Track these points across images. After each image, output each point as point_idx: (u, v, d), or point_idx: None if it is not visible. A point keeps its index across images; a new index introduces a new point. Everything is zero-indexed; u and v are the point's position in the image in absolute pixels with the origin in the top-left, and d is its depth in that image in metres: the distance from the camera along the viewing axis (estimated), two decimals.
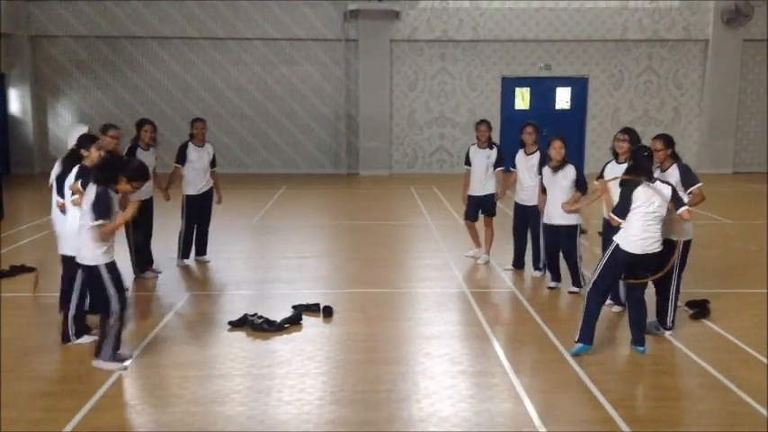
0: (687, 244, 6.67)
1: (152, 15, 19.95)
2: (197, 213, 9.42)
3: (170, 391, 5.50)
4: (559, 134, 8.28)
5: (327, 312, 7.34)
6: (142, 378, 5.74)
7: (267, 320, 6.89)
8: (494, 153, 9.44)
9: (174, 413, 5.09)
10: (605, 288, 6.27)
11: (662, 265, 6.30)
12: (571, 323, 7.00)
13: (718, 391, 5.51)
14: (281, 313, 7.17)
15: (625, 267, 6.18)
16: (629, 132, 7.35)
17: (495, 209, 9.61)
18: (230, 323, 6.95)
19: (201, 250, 9.64)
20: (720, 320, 7.10)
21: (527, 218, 8.96)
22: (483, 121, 9.62)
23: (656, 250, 6.10)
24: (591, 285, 6.24)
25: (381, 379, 5.71)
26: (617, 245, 6.09)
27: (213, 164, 9.57)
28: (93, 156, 6.40)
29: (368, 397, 5.37)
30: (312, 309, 7.38)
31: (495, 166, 9.45)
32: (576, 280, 8.11)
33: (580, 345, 6.17)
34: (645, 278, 6.28)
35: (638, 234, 6.01)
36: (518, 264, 9.24)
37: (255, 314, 7.02)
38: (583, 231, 8.59)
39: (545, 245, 8.54)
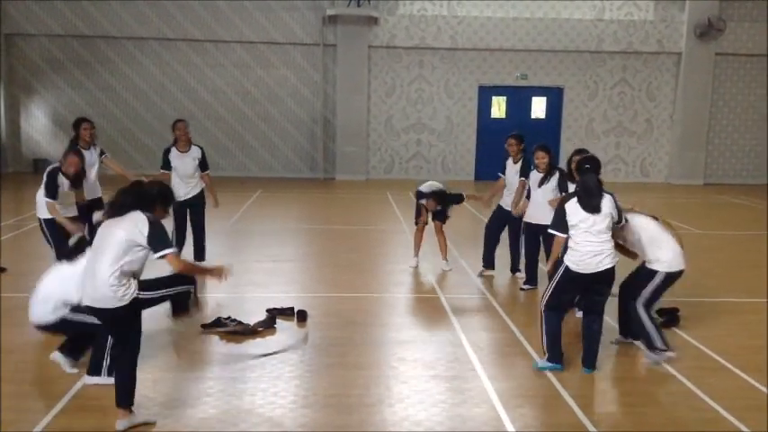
0: (672, 276, 6.36)
1: (128, 15, 19.81)
2: (184, 220, 9.28)
3: (141, 393, 5.44)
4: (540, 144, 8.37)
5: (301, 316, 7.32)
6: (112, 381, 5.67)
7: (240, 323, 6.86)
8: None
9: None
10: (558, 304, 5.99)
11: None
12: None
13: (687, 398, 5.59)
14: (254, 317, 7.14)
15: (580, 287, 6.00)
16: (583, 153, 7.21)
17: (445, 218, 9.55)
18: (203, 326, 6.91)
19: (199, 256, 9.46)
20: (690, 329, 7.20)
21: (506, 221, 9.09)
22: (433, 194, 9.34)
23: (609, 265, 5.82)
24: (543, 303, 6.01)
25: (354, 383, 5.71)
26: (567, 267, 5.86)
27: (204, 167, 9.32)
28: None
29: (340, 401, 5.37)
30: (286, 312, 7.36)
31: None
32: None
33: (549, 364, 6.00)
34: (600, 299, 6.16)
35: (585, 254, 5.78)
36: (489, 264, 9.33)
37: (229, 317, 6.99)
38: None
39: (525, 245, 8.62)
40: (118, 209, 4.79)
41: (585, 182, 5.93)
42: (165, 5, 19.86)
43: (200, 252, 9.50)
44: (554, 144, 20.76)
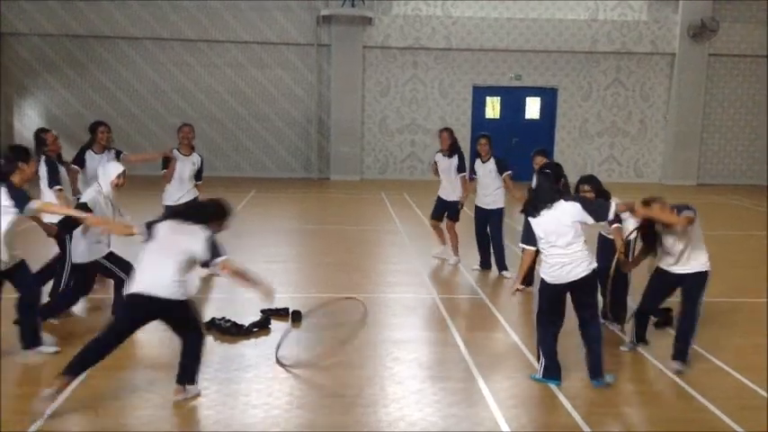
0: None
1: (122, 15, 19.74)
2: None
3: (136, 393, 5.44)
4: (539, 149, 8.47)
5: (296, 317, 7.31)
6: (108, 381, 5.66)
7: (235, 324, 6.85)
8: (455, 160, 9.71)
9: (141, 416, 5.04)
10: (548, 318, 5.77)
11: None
12: None
13: (682, 398, 5.61)
14: (249, 317, 7.13)
15: (558, 297, 5.74)
16: (592, 181, 6.80)
17: (458, 215, 9.87)
18: None
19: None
20: None
21: (487, 220, 9.38)
22: (445, 129, 10.03)
23: (584, 273, 5.60)
24: (534, 316, 5.90)
25: (349, 383, 5.71)
26: (542, 278, 5.74)
27: (198, 176, 9.18)
28: (28, 172, 6.10)
29: (335, 401, 5.37)
30: (281, 313, 7.35)
31: (459, 171, 9.71)
32: None
33: (544, 379, 5.77)
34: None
35: (553, 265, 5.62)
36: (485, 264, 9.61)
37: (223, 318, 6.98)
38: None
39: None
40: (178, 217, 5.32)
41: (536, 184, 5.90)
42: (159, 5, 19.80)
43: None
44: (548, 145, 20.78)
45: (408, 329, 7.23)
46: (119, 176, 6.85)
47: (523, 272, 5.95)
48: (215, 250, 5.13)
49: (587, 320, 5.78)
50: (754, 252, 11.28)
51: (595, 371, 5.72)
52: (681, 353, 6.13)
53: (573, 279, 5.60)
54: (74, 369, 5.06)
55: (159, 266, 5.09)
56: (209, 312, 7.32)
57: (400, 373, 5.98)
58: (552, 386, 5.67)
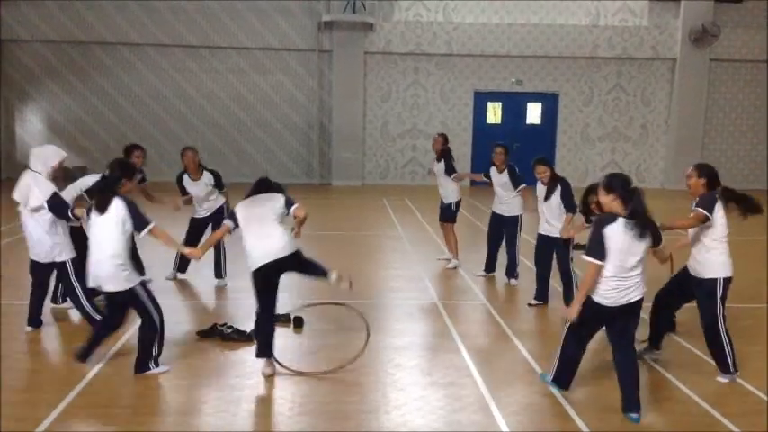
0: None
1: (123, 21, 19.80)
2: (198, 235, 8.84)
3: (138, 400, 5.43)
4: (539, 157, 8.17)
5: (298, 323, 7.31)
6: (110, 387, 5.65)
7: (237, 330, 6.84)
8: (441, 165, 10.02)
9: (142, 423, 5.03)
10: (581, 335, 5.46)
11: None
12: (542, 336, 7.10)
13: (685, 404, 5.59)
14: (250, 323, 7.08)
15: (602, 319, 5.38)
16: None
17: (451, 216, 10.09)
18: (199, 333, 6.89)
19: (218, 272, 8.94)
20: (685, 335, 7.19)
21: (502, 227, 9.38)
22: (438, 134, 10.37)
23: (637, 297, 5.21)
24: (567, 328, 5.49)
25: (351, 390, 5.70)
26: (592, 299, 5.24)
27: (220, 187, 9.04)
28: (129, 189, 6.17)
29: (337, 408, 5.36)
30: (282, 319, 7.33)
31: (447, 174, 9.99)
32: (569, 295, 7.83)
33: (552, 383, 5.64)
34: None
35: (614, 288, 5.15)
36: (489, 268, 9.63)
37: (225, 324, 6.97)
38: (580, 246, 8.43)
39: (535, 258, 8.33)
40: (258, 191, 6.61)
41: (637, 205, 5.32)
42: (161, 11, 19.85)
43: (218, 268, 8.94)
44: (549, 150, 20.81)
45: (410, 335, 7.21)
46: (60, 162, 6.94)
47: (586, 290, 5.24)
48: (291, 202, 6.36)
49: (623, 347, 5.36)
50: (755, 257, 11.26)
51: (630, 403, 5.26)
52: (720, 365, 6.05)
53: (625, 303, 5.19)
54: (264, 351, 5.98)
55: (265, 236, 6.04)
56: (210, 319, 7.31)
57: (402, 379, 5.97)
58: (556, 393, 5.66)
